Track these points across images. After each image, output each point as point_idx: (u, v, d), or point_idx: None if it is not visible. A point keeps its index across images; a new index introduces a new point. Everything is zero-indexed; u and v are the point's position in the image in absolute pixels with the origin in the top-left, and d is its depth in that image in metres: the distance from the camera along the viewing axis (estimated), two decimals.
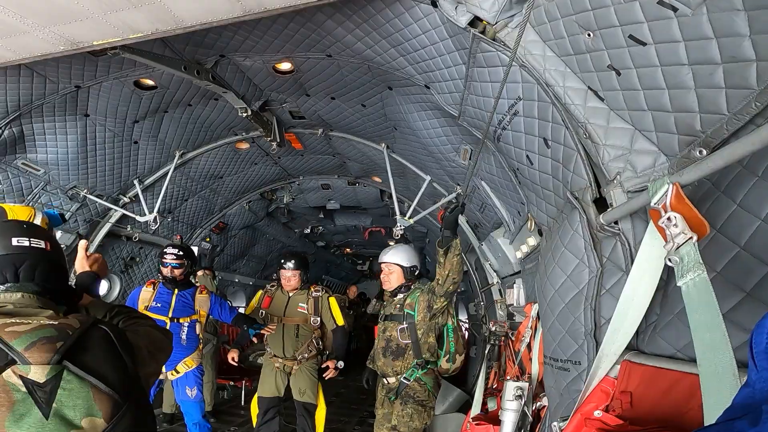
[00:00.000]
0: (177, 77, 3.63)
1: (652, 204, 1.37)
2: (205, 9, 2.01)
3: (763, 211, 1.23)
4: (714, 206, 1.37)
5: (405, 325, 3.23)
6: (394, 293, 3.43)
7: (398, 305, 3.34)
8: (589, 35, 1.57)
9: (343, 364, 4.01)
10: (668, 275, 1.56)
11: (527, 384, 2.52)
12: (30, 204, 4.29)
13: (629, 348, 1.72)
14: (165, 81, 3.74)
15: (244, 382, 6.29)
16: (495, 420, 2.73)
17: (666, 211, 1.29)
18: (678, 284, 1.24)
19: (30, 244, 1.21)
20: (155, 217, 4.90)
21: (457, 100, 2.74)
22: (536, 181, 2.38)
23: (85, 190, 4.63)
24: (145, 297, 4.06)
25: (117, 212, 5.11)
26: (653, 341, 1.68)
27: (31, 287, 1.18)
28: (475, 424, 2.88)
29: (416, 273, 3.44)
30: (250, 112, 4.06)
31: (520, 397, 2.47)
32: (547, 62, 1.88)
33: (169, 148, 4.91)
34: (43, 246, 1.24)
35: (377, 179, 6.30)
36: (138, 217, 5.00)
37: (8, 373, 0.92)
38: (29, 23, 2.06)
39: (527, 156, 2.35)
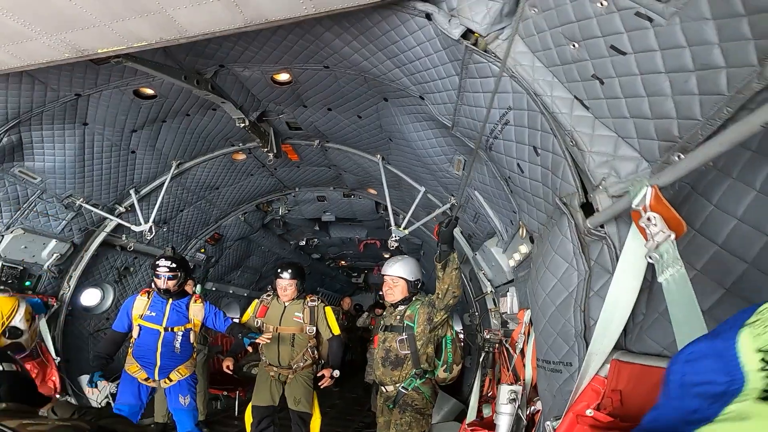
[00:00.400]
0: (176, 87, 3.69)
1: (633, 206, 1.43)
2: (209, 19, 2.09)
3: (738, 210, 1.29)
4: (692, 207, 1.43)
5: (404, 336, 3.26)
6: (395, 305, 3.46)
7: (398, 316, 3.37)
8: (574, 46, 1.65)
9: (338, 373, 4.01)
10: (652, 276, 1.62)
11: (521, 387, 2.55)
12: (25, 211, 4.31)
13: (618, 347, 1.76)
14: (165, 90, 3.79)
15: (237, 392, 6.23)
16: (490, 426, 2.74)
17: (646, 212, 1.35)
18: (659, 280, 1.30)
19: (3, 369, 1.39)
20: (150, 227, 4.89)
21: (450, 111, 2.81)
22: (527, 188, 2.44)
23: (80, 199, 4.65)
24: (139, 306, 4.06)
25: (112, 222, 5.13)
26: (640, 340, 1.72)
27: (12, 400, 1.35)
28: (471, 430, 2.90)
29: (419, 286, 3.49)
30: (247, 123, 4.11)
31: (514, 400, 2.50)
32: (536, 72, 1.96)
33: (166, 158, 4.94)
34: (14, 368, 1.43)
35: (372, 191, 6.35)
36: (133, 227, 5.00)
37: None
38: (36, 30, 2.12)
39: (518, 164, 2.42)
